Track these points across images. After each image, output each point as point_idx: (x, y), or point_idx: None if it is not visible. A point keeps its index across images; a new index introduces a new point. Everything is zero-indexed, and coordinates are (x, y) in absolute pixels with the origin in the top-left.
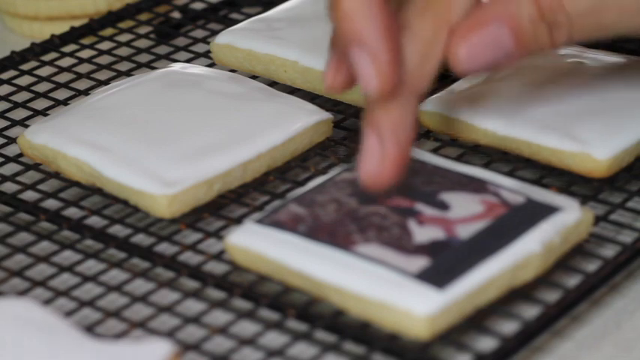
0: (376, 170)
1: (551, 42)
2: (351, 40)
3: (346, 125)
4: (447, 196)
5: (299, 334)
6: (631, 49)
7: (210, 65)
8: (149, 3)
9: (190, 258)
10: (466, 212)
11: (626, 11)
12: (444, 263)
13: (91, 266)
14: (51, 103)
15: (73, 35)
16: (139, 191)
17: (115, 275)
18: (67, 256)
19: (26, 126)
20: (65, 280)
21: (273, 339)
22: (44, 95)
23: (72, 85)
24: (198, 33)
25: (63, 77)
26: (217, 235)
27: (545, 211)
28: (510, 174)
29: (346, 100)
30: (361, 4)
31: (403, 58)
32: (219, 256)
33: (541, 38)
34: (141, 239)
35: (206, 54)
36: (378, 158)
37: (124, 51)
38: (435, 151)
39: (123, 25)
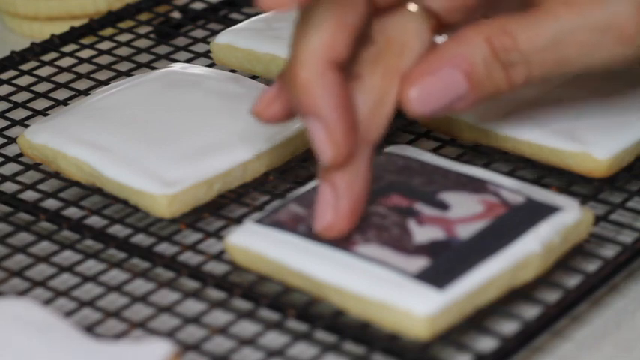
0: (331, 223)
1: (508, 81)
2: (307, 111)
3: None
4: (447, 196)
5: (299, 334)
6: None
7: (210, 65)
8: (149, 3)
9: (190, 258)
10: (466, 212)
11: (586, 46)
12: (444, 263)
13: (91, 266)
14: (51, 103)
15: (73, 35)
16: (139, 191)
17: (115, 275)
18: (67, 256)
19: (26, 126)
20: (65, 280)
21: (273, 339)
22: (44, 95)
23: (72, 85)
24: (198, 33)
25: (63, 77)
26: (217, 235)
27: (545, 211)
28: (510, 174)
29: None
30: (317, 75)
31: (355, 109)
32: (219, 256)
33: (496, 79)
34: (141, 239)
35: (206, 54)
36: (332, 212)
37: (124, 51)
38: (435, 151)
39: (123, 25)
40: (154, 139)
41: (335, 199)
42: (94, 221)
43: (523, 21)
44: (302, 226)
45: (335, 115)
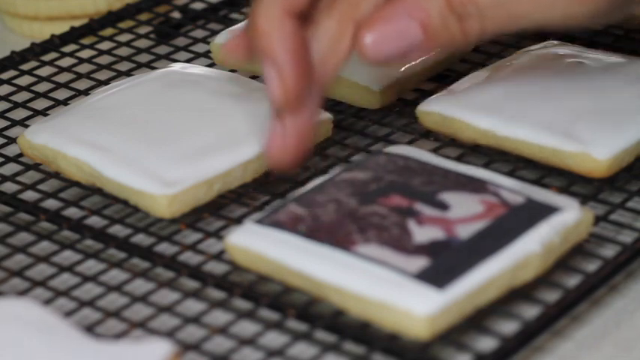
0: (276, 155)
1: (463, 34)
2: (263, 55)
3: (346, 125)
4: (447, 196)
5: (299, 334)
6: (631, 49)
7: (210, 65)
8: (149, 3)
9: (190, 258)
10: (466, 212)
11: (541, 3)
12: (444, 263)
13: (91, 266)
14: (51, 103)
15: (73, 35)
16: (139, 191)
17: (115, 275)
18: (67, 256)
19: (26, 126)
20: (65, 280)
21: (273, 339)
22: (44, 95)
23: (72, 85)
24: (198, 33)
25: (63, 77)
26: (217, 235)
27: (545, 211)
28: (510, 174)
29: (346, 100)
30: (274, 24)
31: (309, 56)
32: (219, 256)
33: (451, 30)
34: (141, 239)
35: (206, 54)
36: (279, 146)
37: (124, 51)
38: (435, 151)
39: (123, 25)
40: (154, 139)
41: (282, 134)
42: (94, 221)
43: None
44: (302, 226)
45: (288, 61)
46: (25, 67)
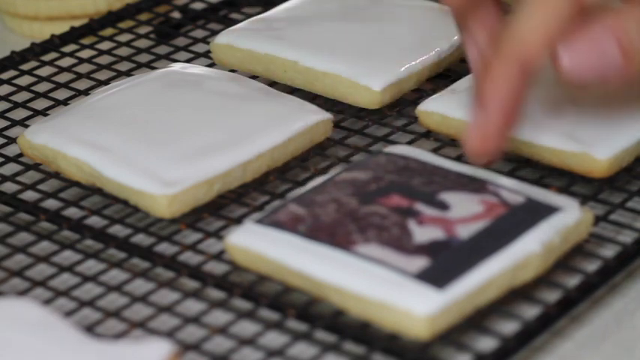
0: (480, 140)
1: None
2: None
3: (346, 125)
4: (447, 196)
5: (299, 334)
6: None
7: (210, 65)
8: (149, 3)
9: (190, 258)
10: (466, 212)
11: None
12: (444, 263)
13: (91, 266)
14: (51, 103)
15: (73, 35)
16: (139, 191)
17: (115, 275)
18: (67, 256)
19: (26, 126)
20: (65, 280)
21: (273, 339)
22: (44, 95)
23: (72, 85)
24: (198, 33)
25: (63, 77)
26: (217, 235)
27: (545, 211)
28: (510, 174)
29: (346, 100)
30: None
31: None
32: (219, 256)
33: None
34: (141, 239)
35: (206, 54)
36: (481, 132)
37: (124, 51)
38: (435, 151)
39: (123, 25)
40: (154, 139)
41: (484, 123)
42: (94, 221)
43: None
44: (302, 226)
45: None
46: (25, 67)
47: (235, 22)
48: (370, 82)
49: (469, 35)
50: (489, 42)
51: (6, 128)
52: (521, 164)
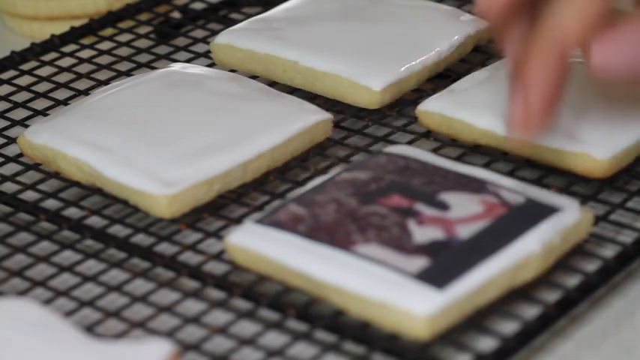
0: (524, 118)
1: None
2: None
3: (346, 125)
4: (447, 196)
5: (299, 334)
6: None
7: (210, 65)
8: (149, 3)
9: (190, 258)
10: (466, 212)
11: None
12: (444, 263)
13: (91, 266)
14: (51, 103)
15: (73, 35)
16: (139, 191)
17: (115, 275)
18: (67, 256)
19: (26, 126)
20: (65, 280)
21: (273, 339)
22: (44, 95)
23: (72, 85)
24: (198, 33)
25: (63, 77)
26: (217, 235)
27: (545, 211)
28: (510, 174)
29: (346, 100)
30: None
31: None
32: (219, 256)
33: None
34: (141, 239)
35: (206, 54)
36: (525, 108)
37: (124, 51)
38: (435, 151)
39: (123, 25)
40: (154, 139)
41: (525, 100)
42: (94, 221)
43: None
44: (302, 226)
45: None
46: (25, 67)
47: (235, 22)
48: (370, 82)
49: (508, 40)
50: (528, 36)
51: (6, 128)
52: (521, 164)
